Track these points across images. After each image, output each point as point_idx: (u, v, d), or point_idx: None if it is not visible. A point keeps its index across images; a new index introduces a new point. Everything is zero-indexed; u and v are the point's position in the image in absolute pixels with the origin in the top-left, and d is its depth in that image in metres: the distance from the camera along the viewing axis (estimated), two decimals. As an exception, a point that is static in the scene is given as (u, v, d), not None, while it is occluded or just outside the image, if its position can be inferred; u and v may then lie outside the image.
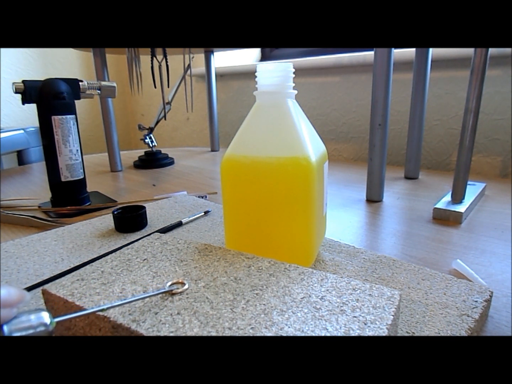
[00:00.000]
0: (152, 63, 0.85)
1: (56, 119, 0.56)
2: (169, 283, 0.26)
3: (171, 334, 0.21)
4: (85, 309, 0.21)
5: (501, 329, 0.28)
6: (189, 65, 0.95)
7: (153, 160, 0.96)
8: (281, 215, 0.33)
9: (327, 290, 0.25)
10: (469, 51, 0.76)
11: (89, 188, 0.65)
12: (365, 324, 0.21)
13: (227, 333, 0.21)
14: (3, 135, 1.17)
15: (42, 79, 0.57)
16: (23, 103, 0.56)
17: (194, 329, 0.21)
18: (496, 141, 0.80)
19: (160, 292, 0.24)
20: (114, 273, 0.28)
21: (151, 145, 0.99)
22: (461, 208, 0.51)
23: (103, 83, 0.67)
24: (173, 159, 1.01)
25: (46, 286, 0.26)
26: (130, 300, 0.23)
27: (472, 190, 0.58)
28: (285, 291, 0.25)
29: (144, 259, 0.30)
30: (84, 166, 0.62)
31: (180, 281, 0.26)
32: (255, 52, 1.37)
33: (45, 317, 0.19)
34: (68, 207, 0.58)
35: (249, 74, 1.25)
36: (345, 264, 0.36)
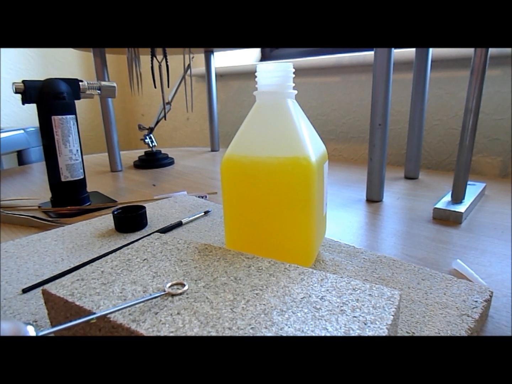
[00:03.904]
0: (152, 63, 0.85)
1: (56, 119, 0.56)
2: (169, 285, 0.26)
3: (171, 334, 0.21)
4: (79, 318, 0.21)
5: (501, 329, 0.28)
6: (189, 65, 0.95)
7: (153, 160, 0.96)
8: (281, 215, 0.33)
9: (327, 290, 0.25)
10: (469, 51, 0.76)
11: (89, 188, 0.65)
12: (365, 324, 0.21)
13: (227, 333, 0.21)
14: (3, 135, 1.17)
15: (42, 79, 0.57)
16: (23, 103, 0.56)
17: (194, 329, 0.21)
18: (496, 141, 0.80)
19: (147, 299, 0.24)
20: (114, 273, 0.28)
21: (151, 145, 0.99)
22: (461, 208, 0.51)
23: (103, 83, 0.67)
24: (173, 159, 1.01)
25: (46, 286, 0.26)
26: (115, 309, 0.22)
27: (472, 190, 0.58)
28: (285, 291, 0.25)
29: (144, 259, 0.30)
30: (84, 166, 0.62)
31: (180, 282, 0.26)
32: (255, 52, 1.37)
33: (31, 331, 0.18)
34: (68, 207, 0.58)
35: (249, 74, 1.25)
36: (345, 264, 0.36)
